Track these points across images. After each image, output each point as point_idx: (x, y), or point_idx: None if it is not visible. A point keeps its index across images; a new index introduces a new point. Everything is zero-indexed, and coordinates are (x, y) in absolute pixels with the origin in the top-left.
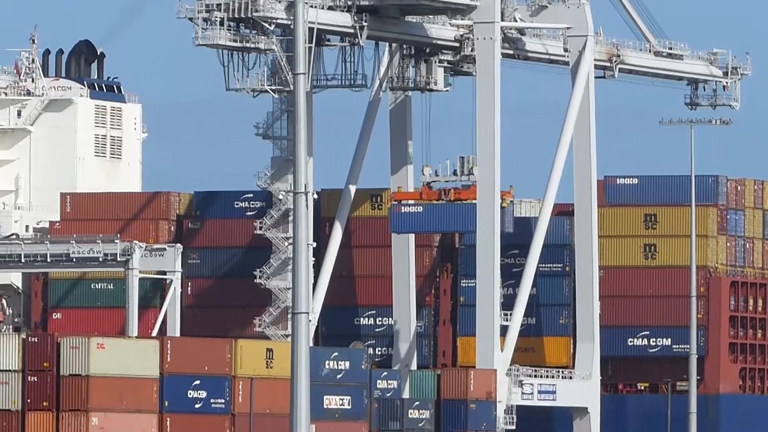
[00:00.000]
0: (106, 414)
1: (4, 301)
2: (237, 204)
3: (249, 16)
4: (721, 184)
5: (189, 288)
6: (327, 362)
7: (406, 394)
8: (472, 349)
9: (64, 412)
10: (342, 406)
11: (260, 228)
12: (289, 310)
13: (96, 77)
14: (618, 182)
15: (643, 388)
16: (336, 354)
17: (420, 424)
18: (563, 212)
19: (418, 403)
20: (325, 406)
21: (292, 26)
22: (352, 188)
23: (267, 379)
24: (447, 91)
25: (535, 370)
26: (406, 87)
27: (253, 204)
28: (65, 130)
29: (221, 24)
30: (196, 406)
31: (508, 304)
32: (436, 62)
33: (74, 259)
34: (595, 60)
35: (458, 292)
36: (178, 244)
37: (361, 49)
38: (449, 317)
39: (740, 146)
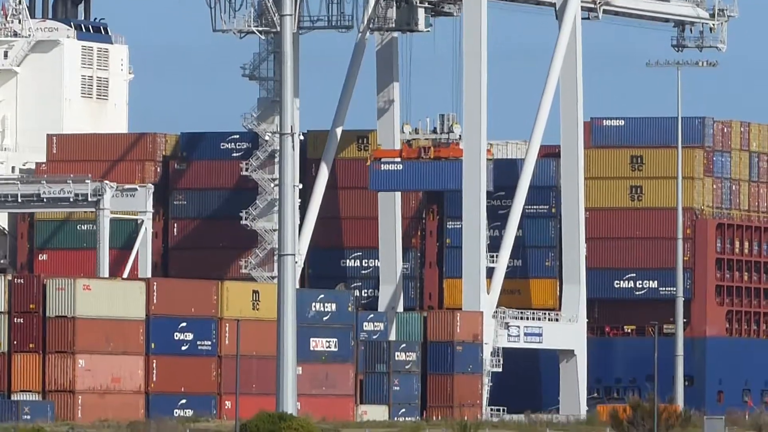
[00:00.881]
0: (93, 356)
1: None
2: (223, 145)
3: None
4: (707, 125)
5: (175, 229)
6: (313, 304)
7: (392, 337)
8: (459, 291)
9: (50, 353)
10: (328, 348)
11: (246, 169)
12: (275, 252)
13: (83, 18)
14: (604, 124)
15: (629, 330)
16: (322, 296)
17: (406, 366)
18: (549, 154)
19: (404, 345)
20: (311, 348)
21: None
22: (339, 130)
23: (253, 321)
24: (428, 31)
25: (522, 313)
26: (387, 27)
27: (239, 145)
28: (52, 71)
29: None
30: (183, 348)
31: (494, 245)
32: (416, 3)
33: (45, 200)
34: (581, 1)
35: (444, 233)
36: (149, 184)
37: None
38: (435, 259)
39: (727, 88)
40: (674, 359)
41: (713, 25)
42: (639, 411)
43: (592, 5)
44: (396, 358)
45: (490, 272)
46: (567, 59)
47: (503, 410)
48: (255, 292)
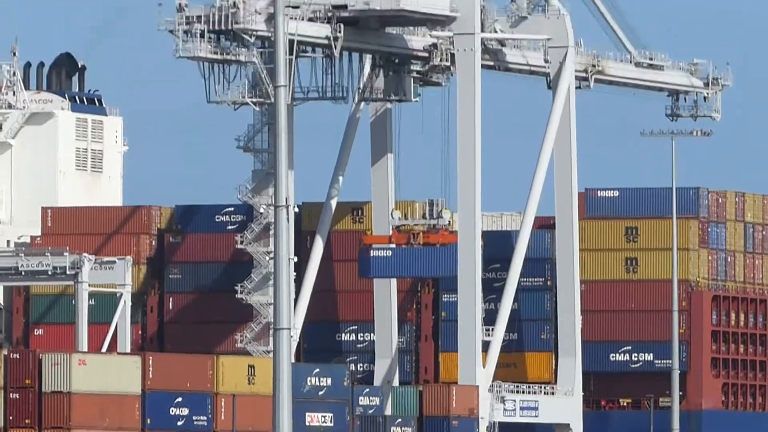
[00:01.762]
0: (89, 431)
1: None
2: (218, 218)
3: (229, 28)
4: (702, 196)
5: (170, 303)
6: (309, 378)
7: (388, 411)
8: (454, 365)
9: (46, 429)
10: (324, 423)
11: (241, 242)
12: (270, 326)
13: (77, 90)
14: (599, 195)
15: (625, 404)
16: (318, 370)
17: None
18: (544, 225)
19: (400, 420)
20: (307, 423)
21: (272, 38)
22: (333, 202)
23: (249, 395)
24: (416, 101)
25: (517, 386)
26: (375, 98)
27: (234, 218)
28: (46, 143)
29: (201, 36)
30: (179, 423)
31: (489, 318)
32: (405, 72)
33: (23, 273)
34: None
35: (440, 307)
36: (128, 257)
37: (340, 61)
38: (431, 332)
39: (721, 158)
40: None
41: (707, 94)
42: None
43: (585, 74)
44: None
45: (485, 346)
46: (561, 129)
47: None
48: (251, 366)
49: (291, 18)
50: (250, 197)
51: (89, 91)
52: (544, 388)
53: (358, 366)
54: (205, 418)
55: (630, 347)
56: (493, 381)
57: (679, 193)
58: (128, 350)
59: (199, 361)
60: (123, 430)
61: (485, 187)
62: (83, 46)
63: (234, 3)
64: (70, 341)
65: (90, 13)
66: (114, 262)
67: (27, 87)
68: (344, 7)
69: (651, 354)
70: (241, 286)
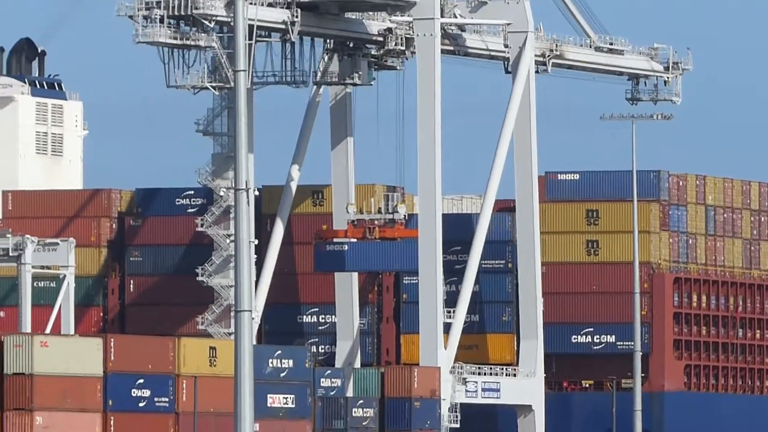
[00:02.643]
0: (51, 413)
1: None
2: (178, 201)
3: (189, 13)
4: (662, 179)
5: (132, 286)
6: (270, 360)
7: (350, 393)
8: (416, 346)
9: (8, 411)
10: (286, 405)
11: (202, 225)
12: (231, 308)
13: (37, 75)
14: (559, 178)
15: (587, 385)
16: (279, 352)
17: (364, 423)
18: (505, 208)
19: (362, 401)
20: (268, 405)
21: (231, 23)
22: (293, 185)
23: (210, 377)
24: (371, 85)
25: (479, 368)
26: (330, 81)
27: (194, 201)
28: (6, 127)
29: (161, 21)
30: (140, 404)
31: (450, 301)
32: (359, 56)
33: None
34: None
35: (401, 289)
36: (71, 238)
37: (301, 46)
38: (392, 315)
39: (682, 141)
40: (633, 414)
41: (668, 78)
42: None
43: (543, 59)
44: (353, 415)
45: (447, 327)
46: (521, 113)
47: None
48: (212, 348)
49: (250, 3)
50: (210, 180)
51: (49, 76)
52: (506, 369)
53: (320, 348)
54: (167, 399)
55: (592, 329)
56: (454, 362)
57: (640, 176)
58: (72, 332)
59: (160, 343)
60: (85, 412)
61: (445, 170)
62: (43, 32)
63: None
64: (31, 323)
65: None
66: (57, 243)
67: None
68: None
69: (613, 336)
70: (202, 269)
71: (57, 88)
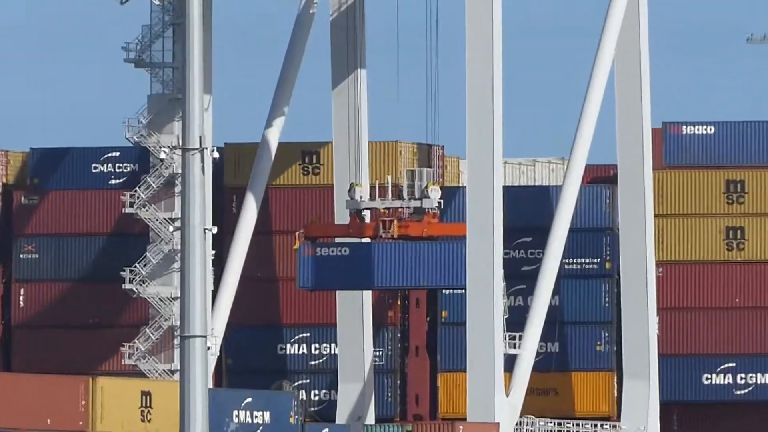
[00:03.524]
0: None
1: None
2: (95, 167)
3: None
4: None
5: (21, 298)
6: (236, 412)
7: None
8: (461, 391)
9: None
10: None
11: (131, 205)
12: (175, 332)
13: None
14: (684, 132)
15: None
16: (249, 400)
17: None
18: (600, 178)
19: None
20: None
21: None
22: (273, 143)
23: None
24: None
25: (560, 424)
26: None
27: (120, 167)
28: None
29: None
30: None
31: (515, 321)
32: None
33: None
34: None
35: (438, 303)
36: None
37: None
38: (424, 343)
39: None
40: None
41: None
42: None
43: None
44: None
45: (510, 362)
46: (624, 36)
47: None
48: (145, 393)
49: None
50: (144, 136)
51: None
52: (602, 426)
53: (312, 393)
54: None
55: (734, 363)
56: (521, 416)
57: None
58: None
59: (64, 386)
60: None
61: (507, 125)
62: None
63: None
64: None
65: None
66: None
67: None
68: None
69: (766, 376)
70: (131, 272)
71: None
